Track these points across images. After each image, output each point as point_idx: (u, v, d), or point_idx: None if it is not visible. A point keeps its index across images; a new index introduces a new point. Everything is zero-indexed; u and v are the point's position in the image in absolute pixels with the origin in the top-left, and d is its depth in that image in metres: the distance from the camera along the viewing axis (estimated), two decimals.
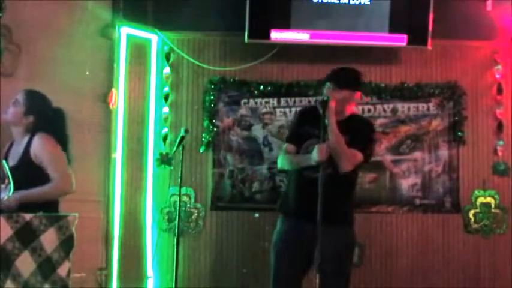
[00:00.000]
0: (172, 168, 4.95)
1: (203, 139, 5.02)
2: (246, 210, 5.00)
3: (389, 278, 5.01)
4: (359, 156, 3.27)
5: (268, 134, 5.05)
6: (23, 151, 3.27)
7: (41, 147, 3.24)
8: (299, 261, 3.29)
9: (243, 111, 5.09)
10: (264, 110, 5.06)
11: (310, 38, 4.88)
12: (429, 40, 4.86)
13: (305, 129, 3.36)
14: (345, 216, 3.38)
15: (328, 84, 3.34)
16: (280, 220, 3.45)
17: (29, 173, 3.21)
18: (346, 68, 3.43)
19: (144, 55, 5.00)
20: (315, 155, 3.12)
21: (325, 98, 3.19)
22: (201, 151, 5.03)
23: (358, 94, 3.39)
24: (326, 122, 3.16)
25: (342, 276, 3.31)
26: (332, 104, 3.19)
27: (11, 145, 3.40)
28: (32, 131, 3.31)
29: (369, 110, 5.11)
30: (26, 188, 3.12)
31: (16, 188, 3.10)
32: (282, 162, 3.45)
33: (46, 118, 3.37)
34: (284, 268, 3.35)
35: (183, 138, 4.01)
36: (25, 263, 2.48)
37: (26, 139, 3.31)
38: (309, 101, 5.05)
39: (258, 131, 5.07)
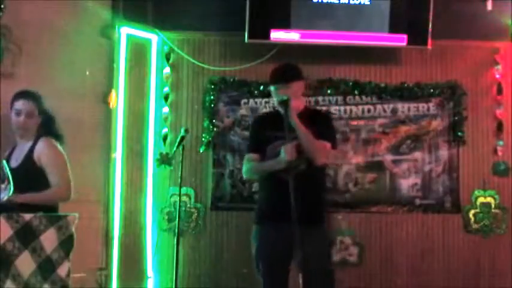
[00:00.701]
0: (172, 168, 4.95)
1: (203, 139, 5.02)
2: (246, 210, 4.98)
3: (389, 278, 5.02)
4: (328, 146, 3.30)
5: None
6: (26, 153, 3.28)
7: (45, 152, 3.26)
8: (286, 264, 3.27)
9: (243, 111, 5.09)
10: (264, 110, 5.06)
11: (310, 38, 4.88)
12: (429, 40, 4.87)
13: (265, 134, 3.35)
14: (321, 212, 3.39)
15: (274, 87, 3.33)
16: (258, 227, 3.41)
17: (30, 175, 3.22)
18: (281, 65, 3.45)
19: (144, 55, 5.00)
20: (284, 155, 3.15)
21: (284, 98, 3.21)
22: (201, 151, 5.03)
23: (303, 82, 3.39)
24: (290, 121, 3.17)
25: (326, 273, 3.31)
26: (293, 103, 3.21)
27: (14, 147, 3.41)
28: (37, 134, 3.33)
29: (369, 110, 5.11)
30: (25, 189, 3.12)
31: (16, 189, 3.11)
32: (249, 172, 3.44)
33: (49, 119, 3.39)
34: (273, 274, 3.32)
35: (183, 138, 4.01)
36: (25, 263, 2.48)
37: (30, 142, 3.32)
38: (309, 101, 5.05)
39: None
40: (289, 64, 3.46)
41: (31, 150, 3.28)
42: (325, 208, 3.44)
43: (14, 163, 3.30)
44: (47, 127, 3.38)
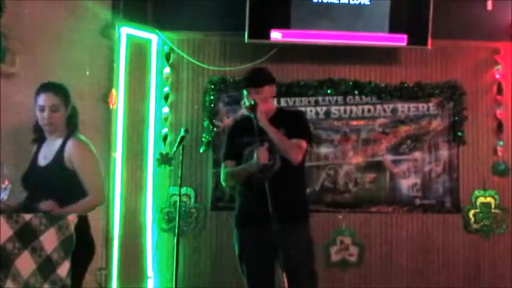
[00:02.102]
0: (172, 168, 4.95)
1: (203, 139, 5.02)
2: None
3: (389, 278, 5.02)
4: (303, 143, 3.34)
5: None
6: (56, 152, 3.08)
7: (78, 155, 3.07)
8: (269, 264, 3.31)
9: (243, 111, 5.08)
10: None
11: (310, 38, 4.88)
12: (429, 40, 4.87)
13: (239, 141, 3.41)
14: (301, 211, 3.41)
15: (245, 91, 3.39)
16: (237, 231, 3.44)
17: (59, 176, 3.03)
18: (253, 69, 3.57)
19: (144, 55, 5.00)
20: (256, 159, 3.19)
21: (252, 102, 3.27)
22: (201, 151, 5.03)
23: (274, 87, 3.45)
24: (260, 124, 3.22)
25: (308, 273, 3.33)
26: (261, 107, 3.25)
27: (42, 142, 3.19)
28: (66, 130, 3.14)
29: (369, 110, 5.11)
30: (52, 191, 2.95)
31: (41, 189, 2.97)
32: (226, 179, 3.48)
33: (77, 114, 3.22)
34: (256, 275, 3.36)
35: (183, 138, 4.01)
36: (25, 263, 2.47)
37: (60, 139, 3.12)
38: (309, 101, 5.06)
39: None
40: (260, 68, 3.60)
41: (61, 150, 3.08)
42: (305, 207, 3.46)
43: (43, 161, 3.11)
44: (76, 122, 3.19)
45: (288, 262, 3.15)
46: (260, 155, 3.18)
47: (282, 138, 3.27)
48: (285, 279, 3.09)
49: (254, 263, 3.34)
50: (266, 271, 3.33)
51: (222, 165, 3.51)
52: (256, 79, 3.38)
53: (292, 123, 3.39)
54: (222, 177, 3.52)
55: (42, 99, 3.09)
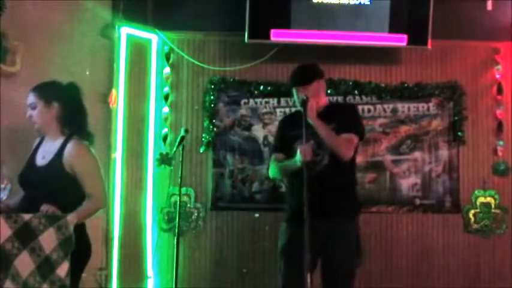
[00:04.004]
0: (172, 168, 4.95)
1: (203, 139, 5.02)
2: (246, 210, 5.00)
3: (389, 278, 5.02)
4: (353, 138, 3.29)
5: (268, 134, 5.04)
6: (55, 154, 3.01)
7: (77, 158, 2.99)
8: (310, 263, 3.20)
9: (243, 111, 5.09)
10: (264, 110, 5.06)
11: (310, 38, 4.88)
12: (429, 40, 4.86)
13: (290, 134, 3.39)
14: (348, 208, 3.34)
15: (294, 89, 3.37)
16: (285, 226, 3.41)
17: (57, 179, 2.97)
18: (300, 66, 3.49)
19: (144, 55, 5.01)
20: (299, 156, 3.16)
21: (304, 98, 3.25)
22: (201, 151, 5.03)
23: (322, 81, 3.43)
24: (308, 120, 3.19)
25: (348, 273, 3.29)
26: (312, 102, 3.23)
27: (41, 141, 3.14)
28: (61, 129, 3.07)
29: (369, 110, 5.11)
30: (48, 190, 2.91)
31: (39, 189, 2.94)
32: (272, 171, 3.49)
33: (71, 111, 3.11)
34: (294, 273, 3.26)
35: (183, 138, 4.01)
36: (24, 263, 2.47)
37: (59, 141, 3.05)
38: None
39: (258, 131, 5.07)
40: (306, 65, 3.50)
41: (60, 151, 3.00)
42: (354, 204, 3.41)
43: (41, 160, 3.04)
44: (78, 123, 3.12)
45: (330, 263, 3.10)
46: (302, 152, 3.13)
47: (330, 134, 3.21)
48: (308, 279, 2.95)
49: (294, 260, 3.21)
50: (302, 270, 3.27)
51: (272, 157, 3.51)
52: (302, 76, 3.35)
53: (343, 118, 3.33)
54: (269, 169, 3.51)
55: (27, 99, 3.08)
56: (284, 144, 3.42)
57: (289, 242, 3.34)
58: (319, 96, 3.36)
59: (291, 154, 3.33)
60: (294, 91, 3.37)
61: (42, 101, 3.05)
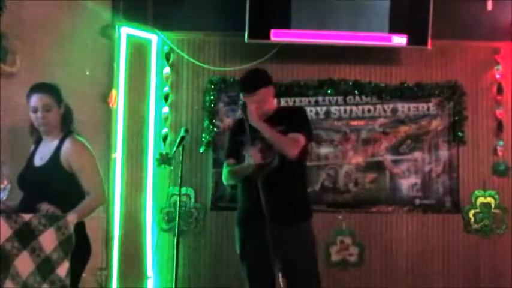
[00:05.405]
0: (172, 168, 4.95)
1: (203, 139, 5.02)
2: None
3: (389, 278, 5.02)
4: (300, 137, 3.28)
5: None
6: (53, 153, 3.02)
7: (75, 156, 3.00)
8: (269, 266, 3.15)
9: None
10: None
11: (310, 37, 4.88)
12: (429, 40, 4.86)
13: (238, 139, 3.38)
14: (300, 208, 3.35)
15: (241, 94, 3.38)
16: (238, 229, 3.41)
17: (55, 177, 2.98)
18: (247, 73, 3.47)
19: (144, 55, 5.01)
20: (251, 160, 3.17)
21: (241, 103, 3.27)
22: (201, 151, 5.03)
23: (271, 88, 3.39)
24: (252, 123, 3.20)
25: (308, 276, 3.28)
26: (251, 107, 3.22)
27: (39, 143, 3.14)
28: (61, 129, 3.08)
29: (369, 110, 5.11)
30: (47, 190, 2.92)
31: (38, 189, 2.93)
32: (226, 178, 3.45)
33: (71, 112, 3.14)
34: (256, 275, 3.29)
35: (183, 138, 4.01)
36: (24, 263, 2.46)
37: (56, 140, 3.06)
38: (309, 101, 5.06)
39: None
40: (255, 71, 3.50)
41: (57, 150, 3.01)
42: (305, 206, 3.40)
43: (39, 161, 3.05)
44: (71, 121, 3.12)
45: (285, 265, 3.09)
46: (252, 155, 3.16)
47: (275, 134, 3.22)
48: (281, 282, 3.00)
49: (254, 264, 3.29)
50: (266, 272, 3.29)
51: (224, 163, 3.50)
52: (250, 84, 3.34)
53: (291, 120, 3.35)
54: (223, 176, 3.50)
55: (35, 100, 3.04)
56: (234, 150, 3.42)
57: (245, 246, 3.34)
58: (266, 102, 3.36)
59: (241, 160, 3.35)
60: (241, 96, 3.38)
61: (56, 102, 3.08)
